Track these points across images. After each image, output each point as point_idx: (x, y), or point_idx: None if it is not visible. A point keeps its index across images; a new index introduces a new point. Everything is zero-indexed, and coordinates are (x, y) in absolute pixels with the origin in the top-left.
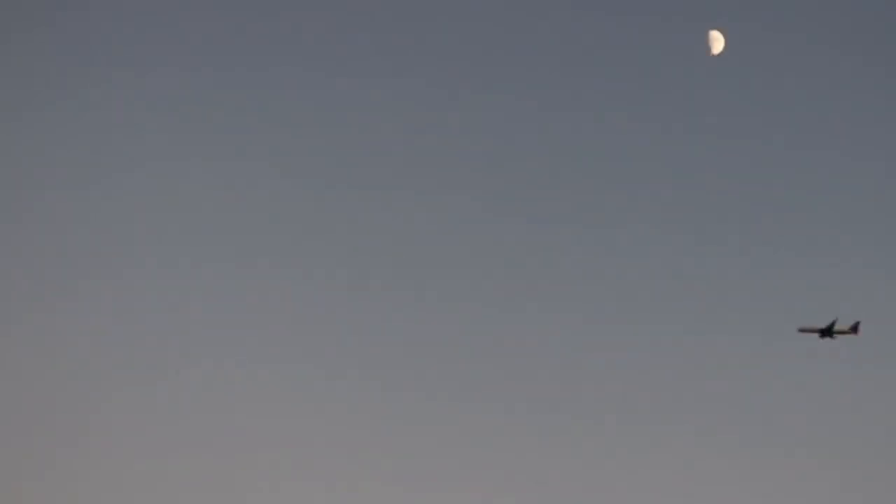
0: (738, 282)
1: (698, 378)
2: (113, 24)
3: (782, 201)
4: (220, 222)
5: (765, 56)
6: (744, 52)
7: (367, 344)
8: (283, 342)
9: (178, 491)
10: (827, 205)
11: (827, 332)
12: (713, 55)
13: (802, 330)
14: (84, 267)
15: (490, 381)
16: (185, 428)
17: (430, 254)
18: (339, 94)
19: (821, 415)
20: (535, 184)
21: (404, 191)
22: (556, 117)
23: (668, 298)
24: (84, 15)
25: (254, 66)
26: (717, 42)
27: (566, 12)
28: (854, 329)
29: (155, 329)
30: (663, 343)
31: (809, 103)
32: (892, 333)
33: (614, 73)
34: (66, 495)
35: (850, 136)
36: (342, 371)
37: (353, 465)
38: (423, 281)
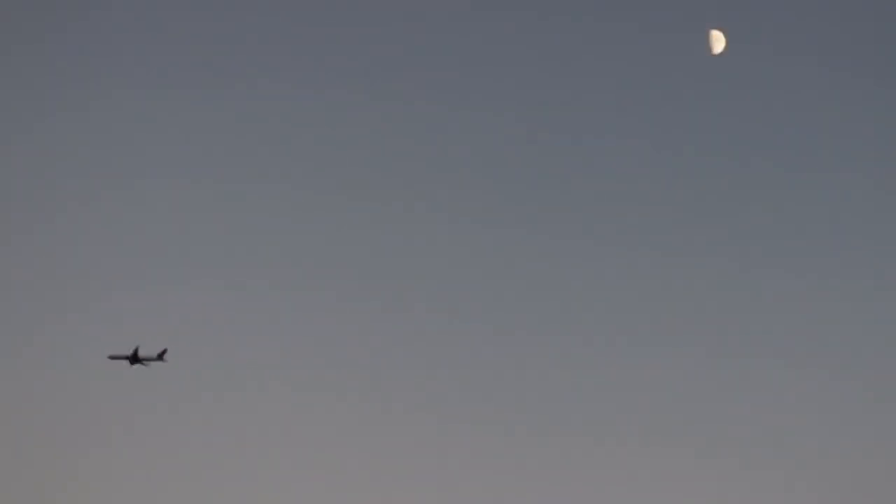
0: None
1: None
2: (115, 30)
3: (781, 203)
4: (219, 226)
5: (765, 56)
6: (744, 52)
7: (367, 347)
8: (282, 342)
9: (180, 492)
10: (827, 207)
11: (134, 359)
12: (713, 55)
13: (112, 357)
14: (88, 269)
15: (488, 385)
16: (184, 428)
17: (429, 257)
18: (340, 98)
19: None
20: (532, 186)
21: (403, 193)
22: (555, 117)
23: (668, 300)
24: (87, 16)
25: (256, 74)
26: (718, 42)
27: (566, 12)
28: (160, 356)
29: (154, 330)
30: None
31: (810, 103)
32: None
33: (614, 73)
34: (70, 496)
35: (851, 136)
36: (342, 373)
37: (351, 466)
38: (424, 285)
